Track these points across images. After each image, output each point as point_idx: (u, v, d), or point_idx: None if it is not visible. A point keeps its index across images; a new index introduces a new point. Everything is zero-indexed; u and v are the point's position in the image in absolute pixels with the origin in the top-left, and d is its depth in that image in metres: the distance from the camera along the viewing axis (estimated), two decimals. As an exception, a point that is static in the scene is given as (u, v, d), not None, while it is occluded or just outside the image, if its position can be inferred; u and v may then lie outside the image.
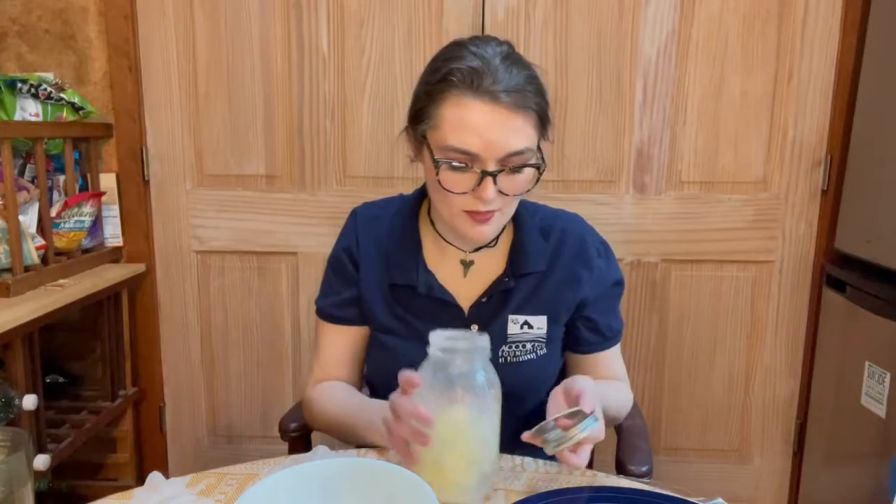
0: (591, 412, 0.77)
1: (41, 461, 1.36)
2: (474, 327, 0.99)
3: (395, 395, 0.76)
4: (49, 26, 1.71)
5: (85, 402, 1.72)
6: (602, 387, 0.95)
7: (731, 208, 1.72)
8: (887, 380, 1.41)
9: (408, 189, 1.13)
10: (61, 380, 1.81)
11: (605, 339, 1.04)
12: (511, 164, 0.87)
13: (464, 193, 0.88)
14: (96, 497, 0.79)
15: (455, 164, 0.87)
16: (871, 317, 1.49)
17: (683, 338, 1.79)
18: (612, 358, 1.06)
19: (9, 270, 1.41)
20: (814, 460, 1.76)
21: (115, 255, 1.78)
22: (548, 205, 1.09)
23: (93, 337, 1.80)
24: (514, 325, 0.99)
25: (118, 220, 1.77)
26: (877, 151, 1.54)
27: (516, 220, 1.01)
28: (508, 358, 0.99)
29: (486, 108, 0.85)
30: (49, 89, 1.61)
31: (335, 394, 1.02)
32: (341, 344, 1.06)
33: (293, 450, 1.16)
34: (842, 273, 1.63)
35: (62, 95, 1.63)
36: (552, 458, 0.93)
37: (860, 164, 1.61)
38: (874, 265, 1.51)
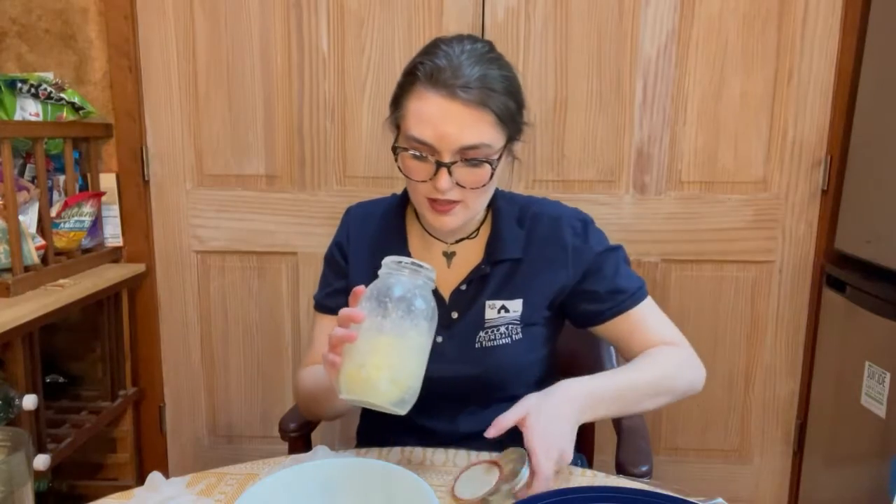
0: (526, 463, 0.80)
1: (41, 461, 1.36)
2: (454, 314, 1.01)
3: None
4: (49, 26, 1.71)
5: (85, 402, 1.72)
6: (616, 375, 0.96)
7: (731, 208, 1.72)
8: (887, 380, 1.41)
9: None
10: (61, 380, 1.81)
11: (617, 301, 1.01)
12: (466, 156, 0.91)
13: (423, 182, 0.93)
14: (96, 497, 0.79)
15: (412, 152, 0.92)
16: (871, 317, 1.49)
17: (683, 338, 1.79)
18: (641, 318, 1.02)
19: (9, 270, 1.41)
20: (814, 460, 1.76)
21: (115, 255, 1.78)
22: (532, 195, 1.10)
23: (93, 337, 1.80)
24: (492, 310, 1.01)
25: (118, 220, 1.77)
26: (877, 151, 1.54)
27: (495, 211, 1.04)
28: (485, 343, 1.00)
29: (443, 102, 0.89)
30: (49, 89, 1.61)
31: (312, 370, 1.04)
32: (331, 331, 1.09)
33: (293, 450, 1.16)
34: (842, 273, 1.63)
35: (62, 95, 1.63)
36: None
37: (860, 164, 1.61)
38: (874, 265, 1.51)
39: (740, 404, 1.81)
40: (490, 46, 0.95)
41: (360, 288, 0.79)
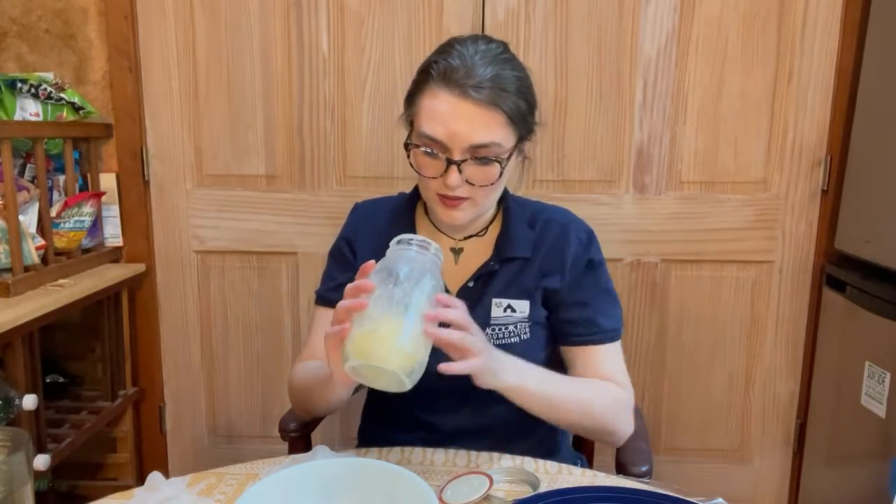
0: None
1: (41, 461, 1.36)
2: None
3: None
4: (49, 26, 1.71)
5: (85, 402, 1.72)
6: (554, 373, 0.96)
7: (731, 208, 1.72)
8: (887, 380, 1.41)
9: (408, 189, 1.14)
10: (61, 380, 1.81)
11: (588, 332, 1.03)
12: (476, 155, 0.92)
13: (434, 178, 0.95)
14: (96, 497, 0.80)
15: (424, 149, 0.94)
16: (871, 317, 1.49)
17: (683, 338, 1.79)
18: (601, 357, 1.03)
19: (9, 270, 1.41)
20: (814, 460, 1.76)
21: (115, 255, 1.78)
22: (543, 202, 1.12)
23: (93, 337, 1.80)
24: (498, 308, 1.02)
25: (118, 220, 1.77)
26: (877, 151, 1.54)
27: (506, 212, 1.06)
28: (493, 341, 1.01)
29: (455, 101, 0.90)
30: (49, 89, 1.61)
31: (307, 364, 1.05)
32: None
33: (293, 450, 1.16)
34: (842, 273, 1.63)
35: (62, 95, 1.64)
36: (552, 458, 0.93)
37: (860, 164, 1.61)
38: (874, 265, 1.51)
39: (740, 404, 1.81)
40: (504, 47, 0.97)
41: (370, 263, 0.79)
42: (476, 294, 1.02)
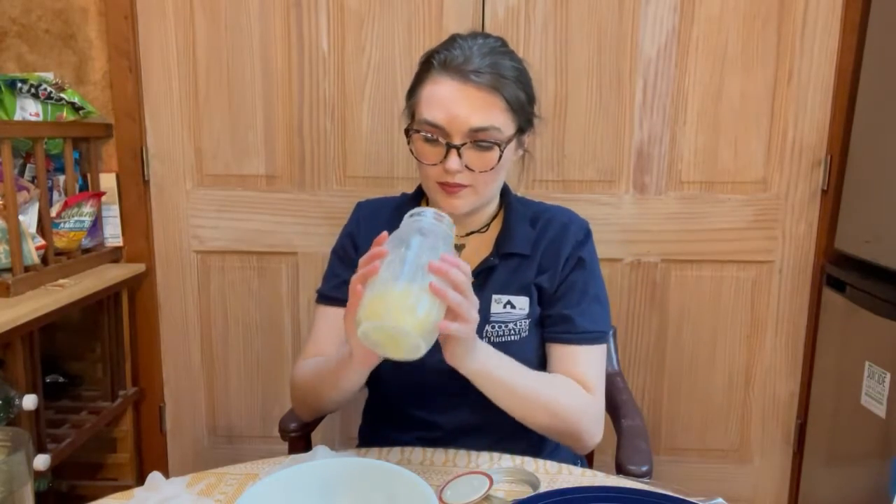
0: None
1: (41, 461, 1.36)
2: None
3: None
4: (49, 26, 1.71)
5: (85, 402, 1.72)
6: (522, 366, 0.93)
7: (731, 208, 1.72)
8: (887, 380, 1.41)
9: (408, 189, 1.15)
10: (61, 380, 1.81)
11: (568, 330, 1.01)
12: (476, 139, 0.93)
13: (434, 165, 0.96)
14: (96, 497, 0.79)
15: (424, 134, 0.95)
16: (871, 317, 1.49)
17: (683, 338, 1.79)
18: (578, 357, 1.01)
19: (9, 270, 1.41)
20: (814, 460, 1.76)
21: (115, 255, 1.78)
22: (545, 202, 1.13)
23: (93, 337, 1.80)
24: (498, 304, 1.02)
25: (118, 220, 1.77)
26: (877, 151, 1.54)
27: (507, 209, 1.07)
28: (492, 338, 1.01)
29: (455, 85, 0.93)
30: (49, 89, 1.61)
31: (312, 360, 1.05)
32: (335, 322, 1.08)
33: (293, 450, 1.16)
34: (842, 273, 1.63)
35: (62, 95, 1.64)
36: (552, 457, 0.93)
37: (860, 164, 1.61)
38: (874, 265, 1.51)
39: (740, 404, 1.81)
40: (503, 42, 1.00)
41: (384, 234, 0.79)
42: (476, 290, 1.02)
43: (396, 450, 0.94)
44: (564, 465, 0.88)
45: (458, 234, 1.05)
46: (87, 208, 1.61)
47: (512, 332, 1.01)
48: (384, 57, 1.69)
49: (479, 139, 0.94)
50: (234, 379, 1.86)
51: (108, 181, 1.75)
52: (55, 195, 1.65)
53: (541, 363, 1.04)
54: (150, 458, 1.89)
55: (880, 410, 1.43)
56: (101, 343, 1.72)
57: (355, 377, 0.90)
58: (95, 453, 1.81)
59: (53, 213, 1.55)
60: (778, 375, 1.80)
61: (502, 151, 0.95)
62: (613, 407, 1.25)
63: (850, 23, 1.63)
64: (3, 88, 1.58)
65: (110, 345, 1.72)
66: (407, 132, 0.99)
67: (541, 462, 0.89)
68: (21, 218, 1.43)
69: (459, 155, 0.93)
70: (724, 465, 1.85)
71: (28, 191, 1.49)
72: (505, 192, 1.08)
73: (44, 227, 1.51)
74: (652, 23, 1.65)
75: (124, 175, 1.76)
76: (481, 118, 0.93)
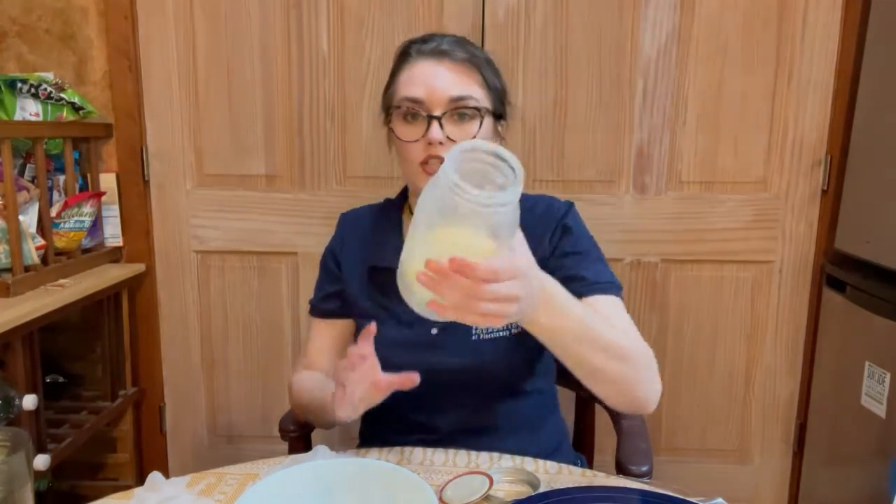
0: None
1: (41, 461, 1.36)
2: None
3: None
4: (49, 26, 1.71)
5: (85, 402, 1.72)
6: (590, 314, 0.83)
7: (731, 208, 1.72)
8: (887, 380, 1.41)
9: (408, 189, 1.15)
10: (61, 380, 1.81)
11: (574, 288, 0.84)
12: (456, 107, 0.95)
13: (416, 141, 0.96)
14: (96, 497, 0.79)
15: (404, 111, 0.97)
16: (871, 317, 1.49)
17: (683, 338, 1.79)
18: (598, 308, 0.93)
19: (9, 270, 1.41)
20: (814, 460, 1.76)
21: (115, 255, 1.78)
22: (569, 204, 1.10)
23: (93, 337, 1.80)
24: None
25: (118, 220, 1.77)
26: (877, 151, 1.54)
27: None
28: (482, 335, 0.99)
29: (432, 62, 0.97)
30: (49, 89, 1.61)
31: (304, 385, 1.07)
32: (327, 335, 1.13)
33: (293, 450, 1.16)
34: (842, 273, 1.63)
35: (62, 95, 1.63)
36: (552, 457, 0.93)
37: (860, 164, 1.61)
38: (874, 265, 1.51)
39: (740, 404, 1.81)
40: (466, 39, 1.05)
41: (372, 327, 0.84)
42: None
43: (396, 450, 0.94)
44: (564, 465, 0.88)
45: None
46: (87, 208, 1.61)
47: (503, 328, 0.98)
48: (384, 57, 1.68)
49: (460, 107, 0.95)
50: (234, 379, 1.86)
51: (108, 181, 1.75)
52: (55, 195, 1.65)
53: (532, 359, 1.03)
54: (150, 458, 1.89)
55: (880, 410, 1.43)
56: (101, 343, 1.72)
57: (339, 422, 0.90)
58: (95, 453, 1.81)
59: (53, 213, 1.55)
60: (778, 375, 1.80)
61: (482, 121, 0.97)
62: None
63: (850, 23, 1.63)
64: (3, 88, 1.58)
65: (110, 345, 1.72)
66: (387, 116, 1.02)
67: (541, 462, 0.89)
68: (21, 218, 1.43)
69: (441, 126, 0.95)
70: (724, 465, 1.85)
71: (28, 191, 1.49)
72: None
73: (44, 227, 1.51)
74: (652, 23, 1.65)
75: (124, 175, 1.76)
76: (460, 88, 0.95)
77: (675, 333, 1.79)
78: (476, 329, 1.00)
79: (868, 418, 1.47)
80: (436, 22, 1.66)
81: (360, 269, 1.08)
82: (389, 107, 1.02)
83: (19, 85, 1.59)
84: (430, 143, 0.95)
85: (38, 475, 1.44)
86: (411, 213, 1.05)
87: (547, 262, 1.00)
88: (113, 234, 1.78)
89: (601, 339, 0.82)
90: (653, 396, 0.92)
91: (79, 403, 1.71)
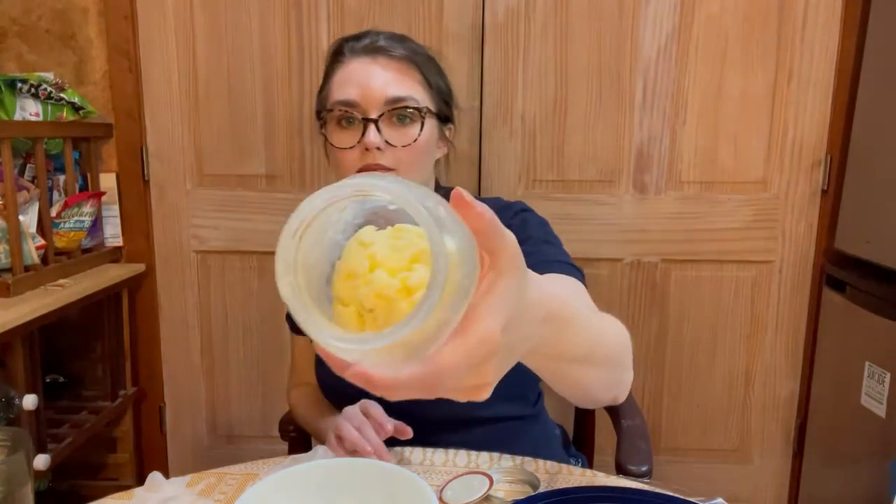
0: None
1: (41, 461, 1.36)
2: None
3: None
4: (49, 26, 1.71)
5: (85, 402, 1.72)
6: (592, 323, 0.61)
7: (731, 208, 1.72)
8: (887, 380, 1.41)
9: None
10: (61, 380, 1.81)
11: (538, 266, 0.67)
12: (394, 108, 0.88)
13: (352, 148, 0.89)
14: (96, 497, 0.79)
15: (337, 115, 0.90)
16: (871, 317, 1.49)
17: (683, 338, 1.79)
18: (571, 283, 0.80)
19: (9, 270, 1.41)
20: (814, 460, 1.76)
21: (115, 255, 1.78)
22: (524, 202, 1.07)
23: (93, 337, 1.80)
24: None
25: (118, 220, 1.77)
26: (877, 151, 1.54)
27: None
28: None
29: (366, 61, 0.90)
30: (49, 89, 1.61)
31: (299, 411, 1.10)
32: (307, 350, 1.15)
33: (293, 450, 1.16)
34: (842, 273, 1.63)
35: (62, 95, 1.63)
36: (552, 457, 0.93)
37: (860, 164, 1.61)
38: (874, 265, 1.51)
39: (740, 404, 1.81)
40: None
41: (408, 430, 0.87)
42: None
43: (396, 450, 0.94)
44: (564, 465, 0.88)
45: None
46: (87, 208, 1.61)
47: None
48: (384, 57, 1.68)
49: (398, 109, 0.88)
50: (234, 379, 1.86)
51: (108, 181, 1.75)
52: (55, 195, 1.65)
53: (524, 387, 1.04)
54: (150, 458, 1.89)
55: (880, 410, 1.43)
56: (101, 343, 1.72)
57: None
58: (95, 453, 1.81)
59: (53, 213, 1.55)
60: (778, 375, 1.80)
61: (423, 123, 0.90)
62: (613, 407, 1.25)
63: (850, 23, 1.63)
64: (3, 88, 1.58)
65: (110, 345, 1.72)
66: (320, 121, 0.93)
67: (541, 462, 0.89)
68: (21, 218, 1.43)
69: (379, 129, 0.88)
70: (724, 465, 1.85)
71: (28, 191, 1.49)
72: (436, 189, 1.02)
73: (44, 226, 1.51)
74: (652, 23, 1.65)
75: (124, 175, 1.76)
76: (397, 88, 0.89)
77: (675, 333, 1.79)
78: None
79: (868, 418, 1.47)
80: (436, 22, 1.66)
81: None
82: (322, 111, 0.94)
83: (19, 85, 1.59)
84: (366, 150, 0.88)
85: (38, 475, 1.44)
86: None
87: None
88: (113, 233, 1.78)
89: (598, 353, 0.62)
90: (624, 392, 0.71)
91: (79, 403, 1.71)
